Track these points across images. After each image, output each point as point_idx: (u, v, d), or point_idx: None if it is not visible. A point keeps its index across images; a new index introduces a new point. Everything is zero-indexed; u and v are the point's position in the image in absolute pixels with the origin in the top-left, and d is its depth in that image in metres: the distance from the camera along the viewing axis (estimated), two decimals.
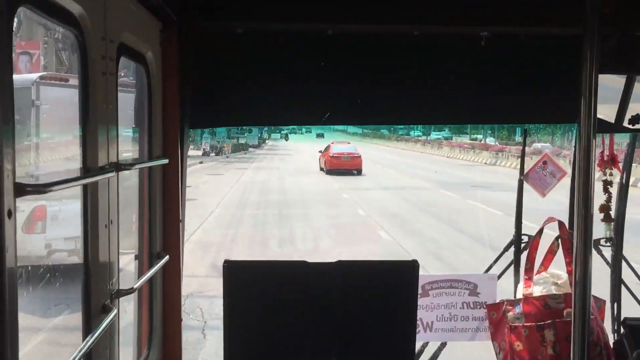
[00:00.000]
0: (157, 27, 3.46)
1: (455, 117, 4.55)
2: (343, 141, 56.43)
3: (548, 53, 4.11)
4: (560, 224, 4.58)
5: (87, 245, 2.35)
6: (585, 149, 3.45)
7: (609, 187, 4.93)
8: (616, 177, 5.02)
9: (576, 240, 3.42)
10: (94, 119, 2.38)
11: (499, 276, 4.91)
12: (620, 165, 4.88)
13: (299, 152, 73.02)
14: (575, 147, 4.49)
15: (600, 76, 3.49)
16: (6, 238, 1.39)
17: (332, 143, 49.43)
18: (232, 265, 3.97)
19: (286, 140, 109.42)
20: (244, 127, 71.75)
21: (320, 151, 49.01)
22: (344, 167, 41.55)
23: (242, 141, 77.59)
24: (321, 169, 45.30)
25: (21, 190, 1.52)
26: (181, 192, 3.74)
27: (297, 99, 4.24)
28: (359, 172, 41.95)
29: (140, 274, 3.36)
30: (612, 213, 4.98)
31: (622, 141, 5.54)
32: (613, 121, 4.62)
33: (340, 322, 3.99)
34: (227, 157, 61.38)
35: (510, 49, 4.07)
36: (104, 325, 2.28)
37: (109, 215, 2.51)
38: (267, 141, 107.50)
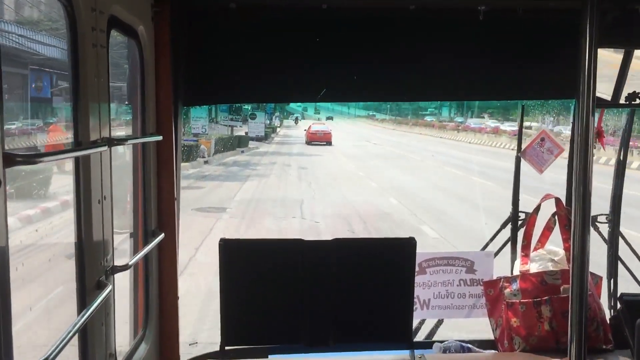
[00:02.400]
0: (149, 0, 3.40)
1: (452, 93, 4.50)
2: (319, 122, 74.39)
3: (546, 28, 4.06)
4: (557, 200, 4.56)
5: (80, 221, 2.32)
6: (584, 125, 3.42)
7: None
8: (599, 152, 4.97)
9: (574, 217, 3.40)
10: (85, 92, 2.34)
11: (496, 253, 4.90)
12: (605, 140, 4.83)
13: (329, 147, 48.25)
14: (573, 122, 4.45)
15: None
16: None
17: (312, 124, 65.48)
18: (229, 243, 3.95)
19: (296, 123, 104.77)
20: (242, 113, 54.03)
21: (307, 129, 61.91)
22: (318, 140, 55.89)
23: (239, 132, 51.48)
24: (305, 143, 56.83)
25: (11, 160, 1.48)
26: (176, 170, 3.70)
27: (291, 75, 4.18)
28: (328, 143, 55.05)
29: (135, 251, 3.33)
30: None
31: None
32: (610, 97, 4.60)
33: (337, 299, 3.98)
34: (206, 161, 33.92)
35: (508, 23, 4.01)
36: (98, 301, 2.25)
37: (102, 190, 2.47)
38: (278, 130, 76.19)
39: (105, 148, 2.44)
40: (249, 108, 51.47)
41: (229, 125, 50.48)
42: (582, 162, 3.40)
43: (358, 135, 70.10)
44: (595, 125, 4.63)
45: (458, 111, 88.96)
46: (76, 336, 2.11)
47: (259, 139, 52.51)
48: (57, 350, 1.78)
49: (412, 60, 4.16)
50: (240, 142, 46.04)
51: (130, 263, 2.78)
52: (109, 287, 2.43)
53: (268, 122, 64.24)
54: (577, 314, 3.45)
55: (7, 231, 1.47)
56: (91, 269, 2.38)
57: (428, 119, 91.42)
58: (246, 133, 52.28)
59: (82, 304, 2.30)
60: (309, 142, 55.61)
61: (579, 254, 3.43)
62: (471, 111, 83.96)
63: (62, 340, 1.86)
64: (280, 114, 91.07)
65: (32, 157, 1.71)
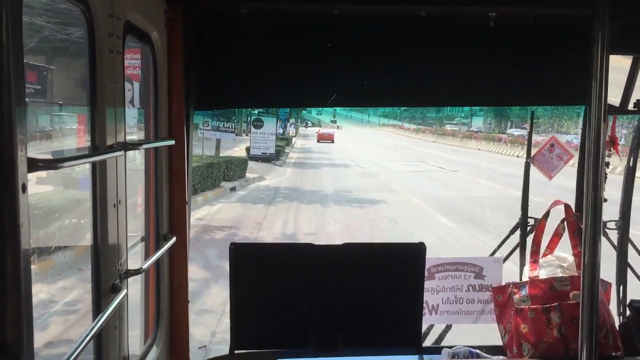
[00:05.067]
0: (162, 6, 3.43)
1: (463, 99, 4.51)
2: (327, 126, 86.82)
3: (557, 34, 4.07)
4: (567, 206, 4.56)
5: (97, 225, 2.34)
6: (595, 131, 3.43)
7: (605, 168, 4.91)
8: (613, 160, 4.97)
9: (585, 224, 3.41)
10: (102, 97, 2.36)
11: (505, 259, 4.90)
12: (620, 147, 4.84)
13: (377, 170, 33.68)
14: (583, 129, 4.46)
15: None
16: (21, 212, 1.37)
17: (321, 128, 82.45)
18: (239, 247, 3.97)
19: (305, 127, 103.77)
20: (235, 118, 36.55)
21: (317, 131, 75.40)
22: (325, 139, 69.43)
23: (238, 146, 36.69)
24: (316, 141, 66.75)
25: (34, 165, 1.50)
26: (187, 174, 3.72)
27: (302, 81, 4.21)
28: (332, 141, 67.63)
29: (147, 255, 3.35)
30: (605, 194, 4.93)
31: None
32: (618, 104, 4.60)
33: (346, 304, 3.99)
34: None
35: (519, 29, 4.02)
36: (114, 305, 2.27)
37: (117, 194, 2.49)
38: (293, 140, 62.67)
39: (121, 152, 2.47)
40: (256, 112, 34.64)
41: (217, 140, 30.95)
42: (594, 168, 3.40)
43: (397, 149, 55.48)
44: (608, 132, 4.64)
45: (495, 120, 76.70)
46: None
47: (265, 158, 34.13)
48: (75, 355, 1.80)
49: (422, 66, 4.17)
50: (229, 171, 26.43)
51: (143, 267, 2.80)
52: (124, 291, 2.45)
53: (281, 131, 47.76)
54: (587, 321, 3.45)
55: (30, 234, 1.49)
56: (106, 272, 2.40)
57: (449, 127, 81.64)
58: (247, 150, 35.19)
59: (98, 308, 2.32)
60: (318, 140, 70.05)
61: (590, 260, 3.43)
62: (510, 121, 72.80)
63: (80, 344, 1.88)
64: (296, 120, 77.07)
65: (53, 162, 1.73)
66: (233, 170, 27.02)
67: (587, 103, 3.50)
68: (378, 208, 20.96)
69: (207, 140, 29.20)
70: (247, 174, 28.77)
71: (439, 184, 28.83)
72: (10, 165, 1.35)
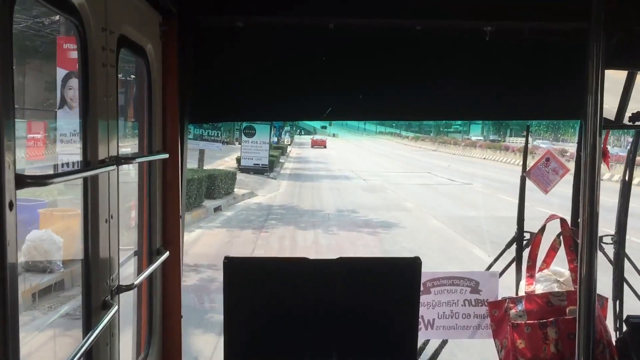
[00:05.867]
0: (157, 19, 3.42)
1: (458, 112, 4.51)
2: (321, 134, 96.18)
3: (553, 48, 4.08)
4: (563, 221, 4.55)
5: (88, 240, 2.31)
6: (591, 146, 3.42)
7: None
8: (604, 174, 4.99)
9: (582, 238, 3.39)
10: (94, 111, 2.34)
11: (501, 274, 4.88)
12: (610, 160, 4.84)
13: (382, 183, 30.96)
14: (579, 143, 4.45)
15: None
16: (7, 230, 1.34)
17: (315, 134, 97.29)
18: (233, 261, 3.93)
19: (300, 135, 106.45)
20: (220, 126, 29.21)
21: (311, 138, 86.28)
22: (318, 145, 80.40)
23: (228, 154, 33.90)
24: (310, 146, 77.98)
25: (22, 181, 1.47)
26: (181, 188, 3.70)
27: (298, 94, 4.20)
28: (325, 146, 78.81)
29: (140, 269, 3.31)
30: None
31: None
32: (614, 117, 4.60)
33: (342, 318, 3.95)
34: None
35: (515, 44, 4.03)
36: (104, 321, 2.24)
37: (109, 210, 2.46)
38: (288, 149, 58.74)
39: (113, 167, 2.44)
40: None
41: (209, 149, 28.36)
42: (590, 182, 3.39)
43: (398, 159, 53.72)
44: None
45: (494, 127, 74.75)
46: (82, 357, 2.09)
47: (258, 170, 31.86)
48: None
49: (418, 79, 4.17)
50: (214, 187, 23.15)
51: (135, 282, 2.76)
52: (115, 307, 2.41)
53: (275, 139, 45.23)
54: (584, 336, 3.42)
55: (17, 250, 1.46)
56: (97, 288, 2.37)
57: (474, 138, 76.82)
58: (238, 160, 32.77)
59: (88, 325, 2.28)
60: (312, 146, 78.45)
61: (587, 275, 3.41)
62: (510, 129, 71.57)
63: None
64: (291, 128, 78.59)
65: (43, 178, 1.70)
66: (219, 185, 23.57)
67: (582, 118, 3.49)
68: (393, 235, 17.60)
69: (193, 150, 25.97)
70: (235, 190, 25.39)
71: (456, 200, 25.64)
72: None
